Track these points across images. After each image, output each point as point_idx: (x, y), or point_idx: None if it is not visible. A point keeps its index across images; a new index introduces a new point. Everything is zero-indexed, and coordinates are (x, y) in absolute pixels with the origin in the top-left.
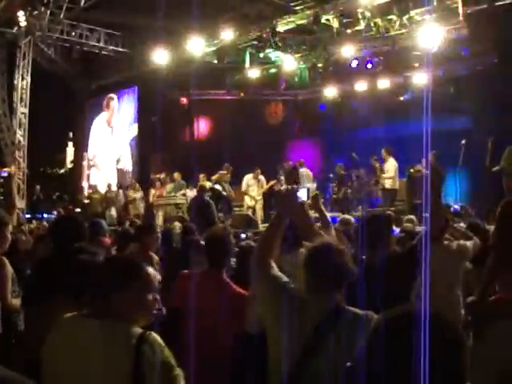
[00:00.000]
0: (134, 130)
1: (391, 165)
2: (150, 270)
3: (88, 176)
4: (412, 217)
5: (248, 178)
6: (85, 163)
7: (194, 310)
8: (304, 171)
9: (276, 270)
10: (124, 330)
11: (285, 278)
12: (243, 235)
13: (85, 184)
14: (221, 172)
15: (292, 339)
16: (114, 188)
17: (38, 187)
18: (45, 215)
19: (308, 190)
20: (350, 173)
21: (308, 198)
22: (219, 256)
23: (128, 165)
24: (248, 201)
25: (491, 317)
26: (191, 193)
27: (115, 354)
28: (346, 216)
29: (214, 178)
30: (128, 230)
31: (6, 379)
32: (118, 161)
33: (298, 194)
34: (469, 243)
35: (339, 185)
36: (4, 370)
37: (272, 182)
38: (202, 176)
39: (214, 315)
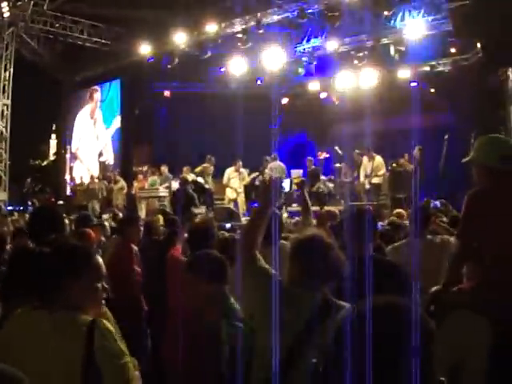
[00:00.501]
0: (116, 122)
1: (380, 163)
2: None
3: (71, 169)
4: (401, 210)
5: (229, 171)
6: (68, 156)
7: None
8: (277, 164)
9: (263, 262)
10: (74, 319)
11: (272, 270)
12: (228, 225)
13: (67, 177)
14: (204, 165)
15: (280, 333)
16: (97, 180)
17: (28, 180)
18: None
19: (291, 181)
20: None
21: (291, 189)
22: (203, 247)
23: (110, 158)
24: (229, 193)
25: (452, 306)
26: (175, 185)
27: (66, 343)
28: (332, 209)
29: (197, 170)
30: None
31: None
32: (100, 154)
33: (282, 184)
34: (452, 238)
35: (310, 178)
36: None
37: (254, 175)
38: (185, 169)
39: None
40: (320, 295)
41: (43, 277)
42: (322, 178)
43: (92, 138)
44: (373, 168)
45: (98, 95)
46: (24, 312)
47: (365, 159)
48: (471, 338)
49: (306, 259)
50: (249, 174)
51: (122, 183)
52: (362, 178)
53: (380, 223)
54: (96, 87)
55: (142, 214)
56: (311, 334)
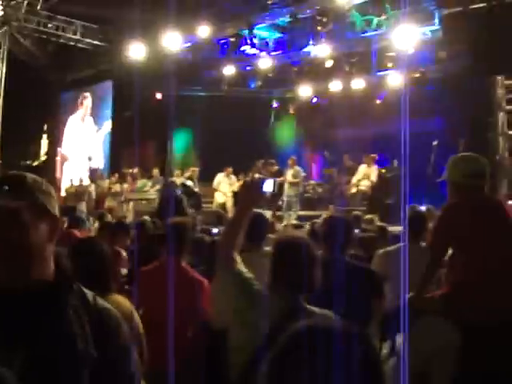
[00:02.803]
0: (107, 126)
1: (374, 171)
2: None
3: (61, 170)
4: (371, 216)
5: (220, 176)
6: (58, 158)
7: (154, 300)
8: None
9: (241, 265)
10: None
11: (249, 274)
12: (215, 230)
13: (58, 175)
14: (192, 168)
15: (250, 336)
16: (86, 182)
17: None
18: None
19: (274, 181)
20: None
21: (274, 190)
22: (178, 244)
23: (100, 162)
24: (218, 197)
25: (421, 313)
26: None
27: None
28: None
29: (186, 175)
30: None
31: None
32: (89, 158)
33: (264, 185)
34: None
35: None
36: None
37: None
38: (177, 172)
39: (175, 301)
40: (292, 300)
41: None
42: (312, 182)
43: (82, 142)
44: (365, 174)
45: (88, 101)
46: None
47: (362, 166)
48: (438, 341)
49: (281, 263)
50: (239, 180)
51: (116, 187)
52: (353, 183)
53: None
54: (86, 93)
55: (130, 215)
56: (273, 338)
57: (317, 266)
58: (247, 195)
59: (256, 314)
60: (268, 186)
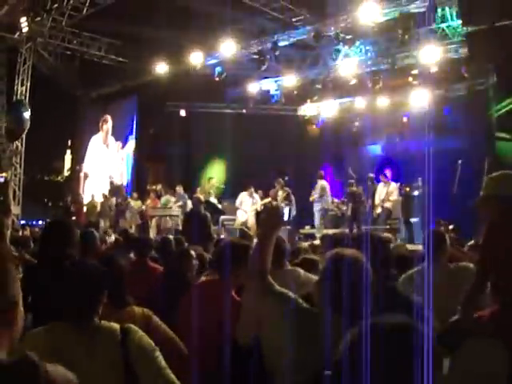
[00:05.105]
0: (131, 144)
1: (394, 188)
2: None
3: (83, 187)
4: (389, 235)
5: (242, 195)
6: (82, 174)
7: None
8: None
9: (278, 287)
10: (109, 327)
11: (291, 293)
12: None
13: (81, 193)
14: (214, 184)
15: (299, 353)
16: (108, 198)
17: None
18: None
19: (290, 210)
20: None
21: (289, 218)
22: (230, 265)
23: (123, 179)
24: (240, 216)
25: (468, 334)
26: (190, 205)
27: (105, 349)
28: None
29: (210, 190)
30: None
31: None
32: (110, 177)
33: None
34: (472, 265)
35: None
36: None
37: (266, 200)
38: (200, 189)
39: (220, 321)
40: (345, 315)
41: (90, 291)
42: (335, 200)
43: (104, 162)
44: (387, 192)
45: (108, 124)
46: (60, 325)
47: (380, 184)
48: (488, 367)
49: (333, 279)
50: (262, 198)
51: (139, 203)
52: (376, 202)
53: None
54: (107, 116)
55: (153, 232)
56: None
57: (368, 284)
58: (269, 221)
59: (303, 329)
60: (285, 214)
